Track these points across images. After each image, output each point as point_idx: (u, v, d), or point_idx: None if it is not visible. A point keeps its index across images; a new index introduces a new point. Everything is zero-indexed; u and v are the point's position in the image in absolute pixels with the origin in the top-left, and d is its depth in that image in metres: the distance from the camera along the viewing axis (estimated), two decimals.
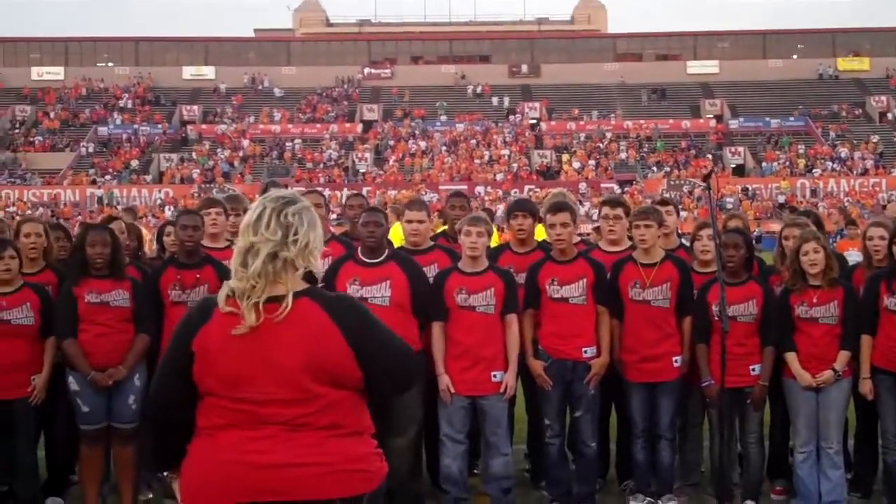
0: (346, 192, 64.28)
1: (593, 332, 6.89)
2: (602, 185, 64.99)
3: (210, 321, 3.36)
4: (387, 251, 6.86)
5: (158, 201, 63.80)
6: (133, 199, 63.97)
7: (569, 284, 6.86)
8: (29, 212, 60.65)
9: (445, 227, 8.83)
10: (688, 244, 7.67)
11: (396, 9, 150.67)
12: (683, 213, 59.29)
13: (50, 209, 62.31)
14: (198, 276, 6.99)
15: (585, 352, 6.84)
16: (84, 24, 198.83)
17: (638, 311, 6.91)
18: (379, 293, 6.66)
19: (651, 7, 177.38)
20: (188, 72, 79.94)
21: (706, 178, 6.48)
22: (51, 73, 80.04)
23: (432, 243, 7.56)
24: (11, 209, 62.13)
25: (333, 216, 57.01)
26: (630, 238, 7.29)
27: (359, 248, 6.91)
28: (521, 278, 7.13)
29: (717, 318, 6.54)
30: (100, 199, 63.66)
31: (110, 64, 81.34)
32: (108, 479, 7.26)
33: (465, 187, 64.52)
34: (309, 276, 3.44)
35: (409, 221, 7.39)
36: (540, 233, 7.89)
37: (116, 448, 6.96)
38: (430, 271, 7.15)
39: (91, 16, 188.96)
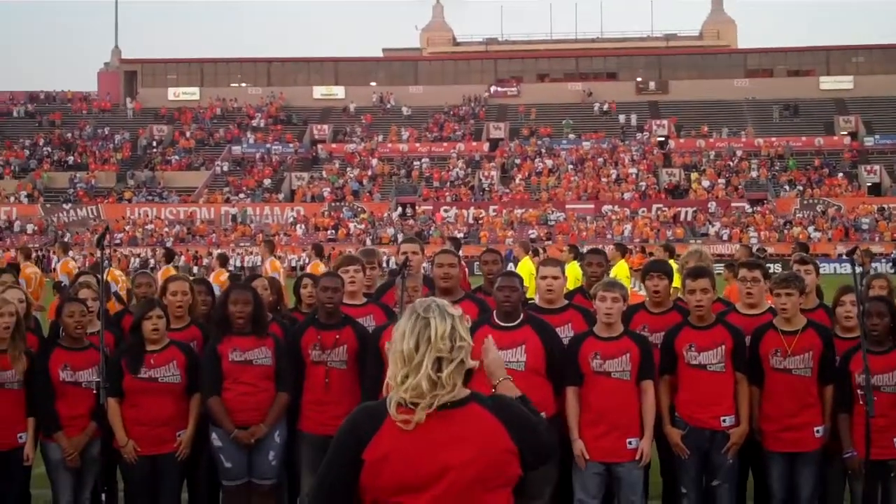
0: (472, 210, 64.69)
1: (732, 400, 6.80)
2: (732, 205, 64.01)
3: (381, 430, 3.42)
4: (522, 315, 6.88)
5: (290, 219, 65.05)
6: (266, 217, 65.45)
7: (707, 351, 6.79)
8: (166, 229, 62.45)
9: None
10: (829, 304, 7.51)
11: (523, 27, 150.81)
12: (817, 234, 57.91)
13: (186, 227, 64.08)
14: (337, 336, 7.13)
15: (724, 420, 6.75)
16: (218, 45, 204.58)
17: (779, 379, 6.78)
18: (514, 358, 6.68)
19: (782, 21, 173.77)
20: (318, 91, 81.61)
21: (851, 252, 6.35)
22: (187, 94, 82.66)
23: (566, 302, 7.55)
24: (150, 227, 64.09)
25: (460, 234, 57.29)
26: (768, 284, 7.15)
27: (494, 312, 6.95)
28: (655, 338, 7.10)
29: (860, 392, 6.38)
30: (234, 218, 65.23)
31: (244, 84, 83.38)
32: None
33: (591, 206, 64.24)
34: None
35: (544, 277, 7.40)
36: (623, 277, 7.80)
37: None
38: (564, 331, 7.15)
39: (225, 37, 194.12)
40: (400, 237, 60.12)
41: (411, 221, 64.36)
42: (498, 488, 3.43)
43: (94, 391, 6.78)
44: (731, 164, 69.59)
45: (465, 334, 3.45)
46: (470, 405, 3.44)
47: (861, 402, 6.37)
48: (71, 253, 21.91)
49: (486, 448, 3.39)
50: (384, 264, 9.44)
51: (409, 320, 3.46)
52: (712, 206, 63.92)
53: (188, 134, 77.68)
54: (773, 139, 71.45)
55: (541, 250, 24.69)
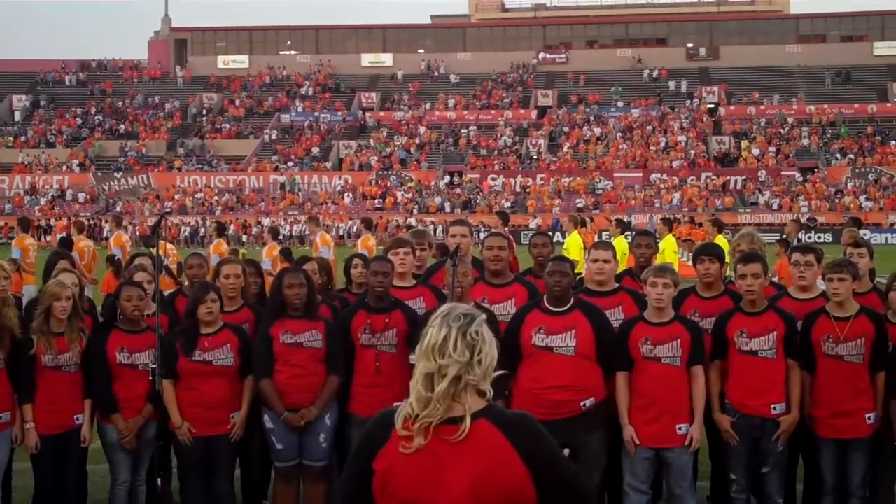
0: (519, 178, 64.54)
1: (783, 387, 6.76)
2: (783, 173, 63.42)
3: (389, 442, 3.32)
4: (572, 299, 6.90)
5: (338, 188, 65.29)
6: (314, 185, 65.73)
7: (758, 337, 6.75)
8: (216, 198, 62.91)
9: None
10: (881, 287, 7.44)
11: None
12: (869, 203, 57.17)
13: (235, 195, 64.51)
14: (387, 320, 7.16)
15: (774, 408, 6.72)
16: (267, 13, 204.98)
17: (830, 365, 6.73)
18: (564, 343, 6.72)
19: None
20: (366, 59, 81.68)
21: None
22: (236, 62, 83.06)
23: (617, 285, 7.56)
24: (199, 195, 64.57)
25: (507, 203, 57.13)
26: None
27: (544, 297, 6.96)
28: (706, 323, 7.09)
29: None
30: (282, 186, 65.58)
31: (292, 52, 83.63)
32: None
33: (640, 174, 63.85)
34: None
35: (595, 261, 7.41)
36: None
37: (307, 485, 7.23)
38: (615, 314, 7.18)
39: (273, 5, 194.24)
40: (447, 206, 60.48)
41: (458, 190, 64.35)
42: None
43: (150, 377, 6.91)
44: (781, 131, 68.81)
45: (462, 347, 3.22)
46: (479, 421, 3.24)
47: None
48: (124, 223, 22.18)
49: (489, 467, 3.22)
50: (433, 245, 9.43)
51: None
52: (762, 174, 63.29)
53: (237, 102, 78.11)
54: (825, 106, 70.52)
55: (588, 220, 24.56)
